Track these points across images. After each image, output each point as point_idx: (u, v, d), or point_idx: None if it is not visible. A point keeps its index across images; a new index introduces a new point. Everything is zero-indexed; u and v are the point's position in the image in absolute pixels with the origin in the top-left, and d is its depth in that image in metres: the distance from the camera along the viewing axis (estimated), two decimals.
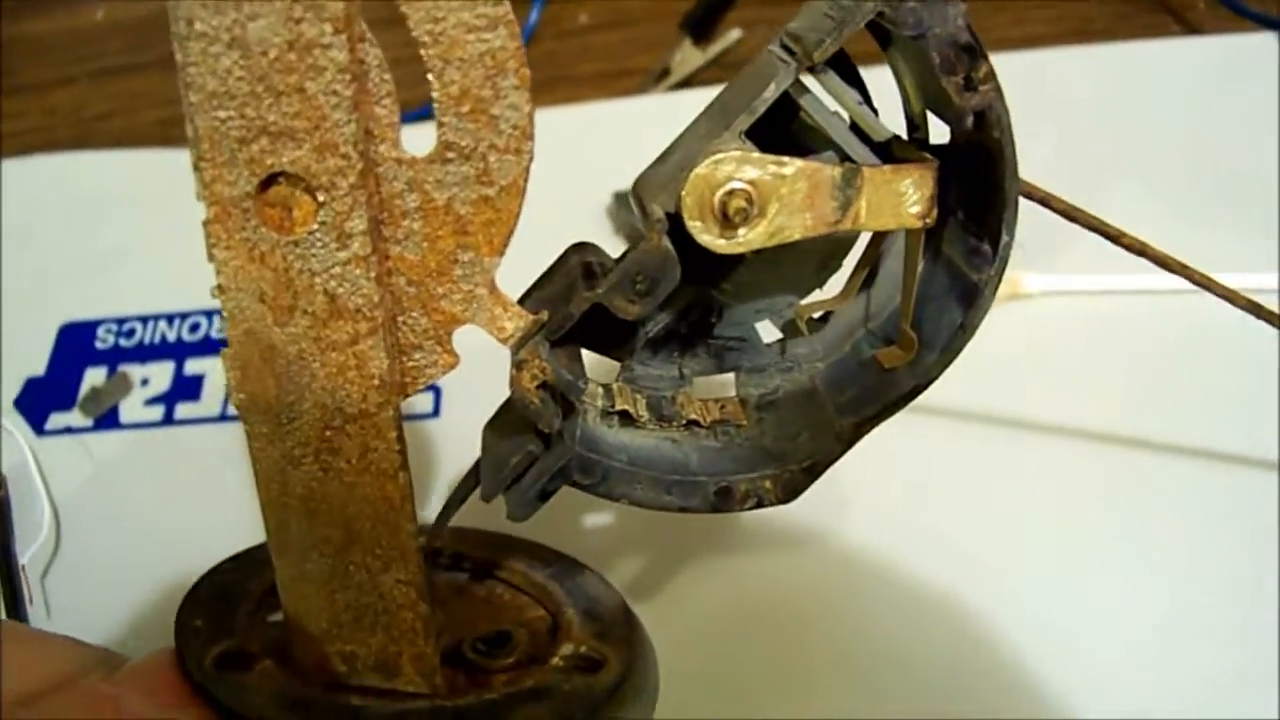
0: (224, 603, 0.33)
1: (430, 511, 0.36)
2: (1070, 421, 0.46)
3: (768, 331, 0.33)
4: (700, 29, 0.66)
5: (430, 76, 0.26)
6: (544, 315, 0.29)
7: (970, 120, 0.27)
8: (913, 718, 0.39)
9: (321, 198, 0.27)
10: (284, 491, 0.29)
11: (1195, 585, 0.41)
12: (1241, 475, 0.44)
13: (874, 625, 0.41)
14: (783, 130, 0.29)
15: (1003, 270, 0.29)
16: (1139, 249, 0.33)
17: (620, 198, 0.55)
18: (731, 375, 0.33)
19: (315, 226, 0.27)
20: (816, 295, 0.32)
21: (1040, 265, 0.49)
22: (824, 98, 0.29)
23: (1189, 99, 0.59)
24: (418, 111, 0.29)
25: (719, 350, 0.33)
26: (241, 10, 0.25)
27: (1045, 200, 0.31)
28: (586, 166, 0.53)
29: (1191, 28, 0.65)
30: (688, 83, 0.65)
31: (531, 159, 0.27)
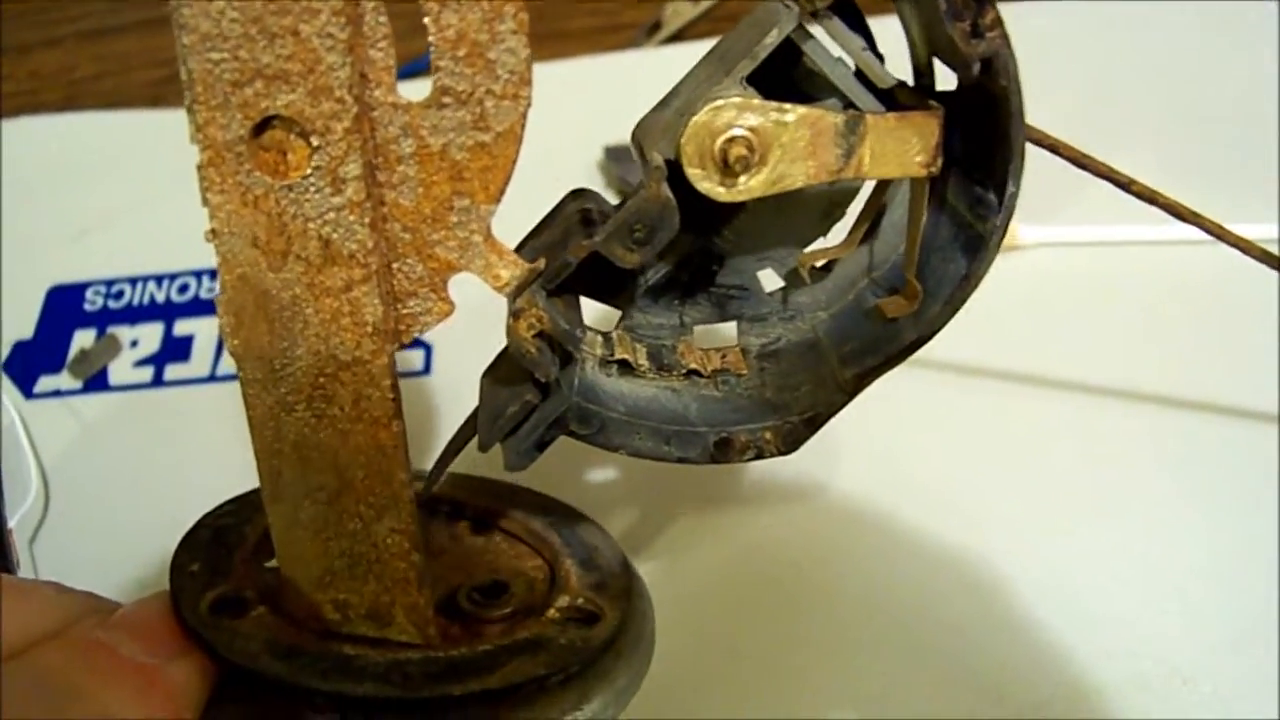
0: (220, 546, 0.33)
1: (423, 466, 0.35)
2: (1064, 374, 0.46)
3: (770, 280, 0.33)
4: None
5: (427, 20, 0.26)
6: (541, 263, 0.28)
7: (977, 67, 0.27)
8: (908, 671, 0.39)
9: (316, 142, 0.26)
10: (277, 438, 0.29)
11: (1191, 536, 0.42)
12: (1240, 427, 0.44)
13: (870, 579, 0.41)
14: (786, 77, 0.28)
15: (1008, 220, 0.28)
16: (1149, 196, 0.32)
17: (611, 152, 0.54)
18: (734, 324, 0.33)
19: (309, 171, 0.26)
20: (820, 243, 0.32)
21: (1036, 217, 0.49)
22: (828, 44, 0.28)
23: (1190, 60, 0.59)
24: (415, 64, 0.28)
25: (720, 298, 0.32)
26: None
27: (1054, 147, 0.31)
28: (578, 121, 0.53)
29: None
30: (679, 37, 0.65)
31: (529, 105, 0.27)
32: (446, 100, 0.27)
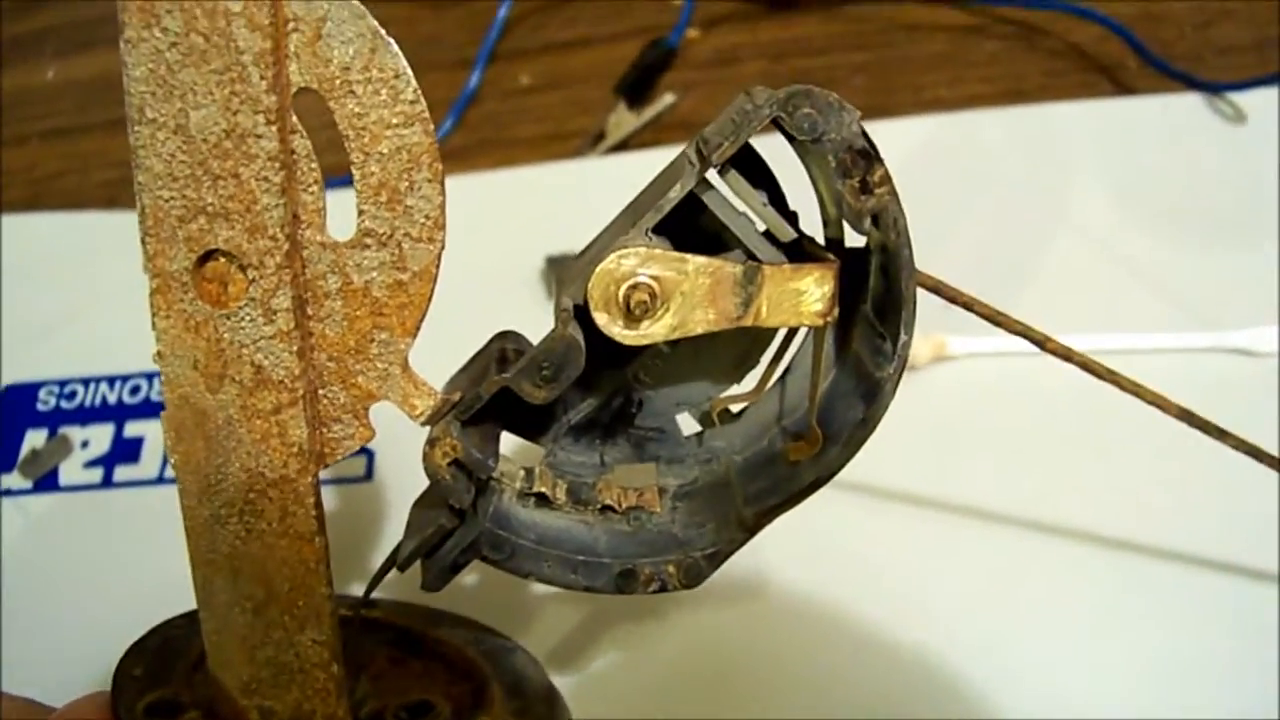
0: (166, 655, 0.35)
1: (366, 570, 0.37)
2: (995, 481, 0.47)
3: (689, 424, 0.34)
4: (635, 93, 0.67)
5: (353, 168, 0.29)
6: (456, 395, 0.30)
7: (867, 222, 0.28)
8: None
9: (251, 275, 0.29)
10: (210, 549, 0.31)
11: (1133, 638, 0.43)
12: (1170, 523, 0.45)
13: (811, 676, 0.42)
14: (697, 228, 0.30)
15: (902, 368, 0.29)
16: (1021, 332, 0.33)
17: (553, 262, 0.54)
18: (653, 464, 0.34)
19: (245, 302, 0.29)
20: (735, 389, 0.33)
21: (964, 329, 0.49)
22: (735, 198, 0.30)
23: (1122, 157, 0.61)
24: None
25: (639, 440, 0.34)
26: (186, 100, 0.27)
27: (951, 296, 0.32)
28: (521, 230, 0.53)
29: (1123, 88, 0.66)
30: (624, 146, 0.66)
31: (443, 248, 0.29)
32: (369, 241, 0.29)
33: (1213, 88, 0.63)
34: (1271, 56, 0.65)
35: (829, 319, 0.29)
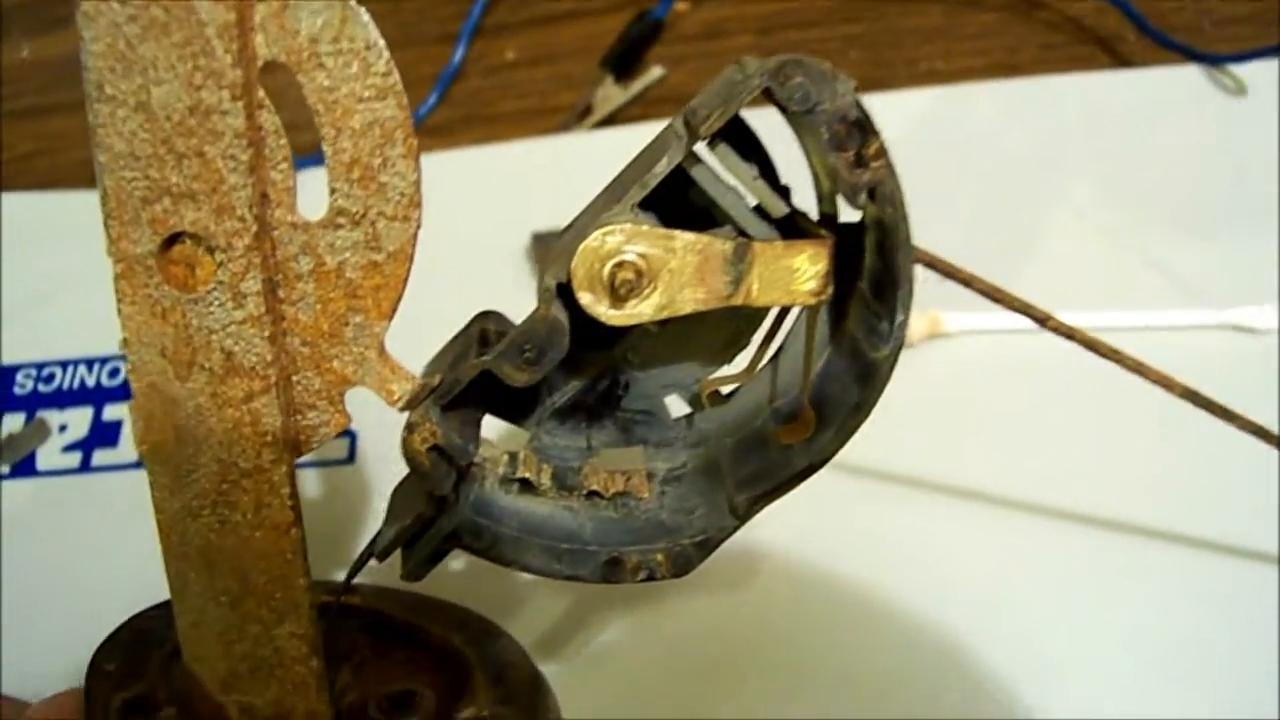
0: (140, 648, 0.34)
1: (349, 555, 0.36)
2: (990, 459, 0.46)
3: (677, 406, 0.33)
4: (621, 66, 0.66)
5: (324, 144, 0.27)
6: (434, 379, 0.29)
7: (862, 197, 0.27)
8: None
9: (219, 258, 0.28)
10: (183, 542, 0.30)
11: (1125, 610, 0.42)
12: (1169, 502, 0.45)
13: (814, 656, 0.41)
14: (685, 204, 0.29)
15: (899, 349, 0.28)
16: (1021, 309, 0.32)
17: (539, 239, 0.53)
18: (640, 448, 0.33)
19: (213, 285, 0.28)
20: (725, 370, 0.32)
21: (960, 305, 0.48)
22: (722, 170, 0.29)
23: (1118, 130, 0.59)
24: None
25: (627, 423, 0.33)
26: (147, 76, 0.26)
27: (931, 264, 0.31)
28: (506, 206, 0.52)
29: (1120, 60, 0.65)
30: (610, 120, 0.65)
31: (419, 226, 0.28)
32: (341, 221, 0.28)
33: (1212, 60, 0.62)
34: (1272, 28, 0.63)
35: (823, 298, 0.28)
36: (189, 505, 0.30)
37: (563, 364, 0.29)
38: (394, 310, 0.28)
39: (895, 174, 0.27)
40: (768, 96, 0.27)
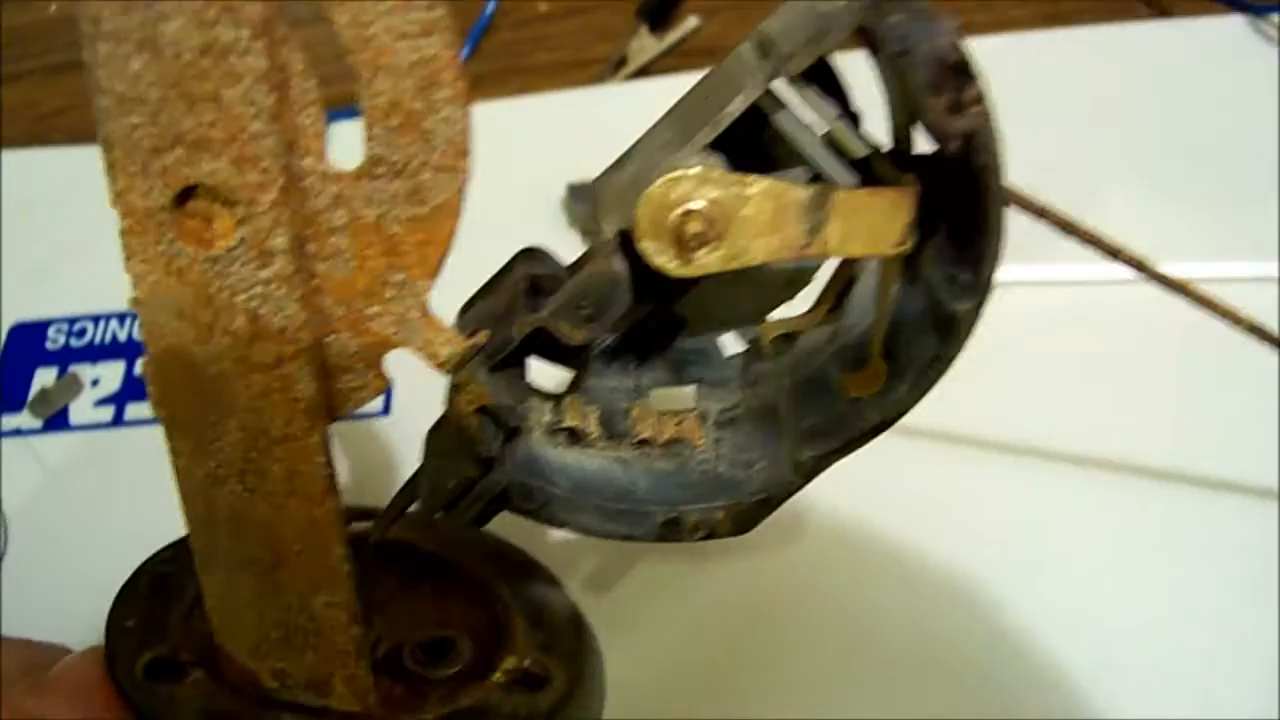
0: (158, 600, 0.32)
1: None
2: (1035, 411, 0.45)
3: (732, 342, 0.31)
4: (657, 16, 0.65)
5: (359, 87, 0.24)
6: (481, 338, 0.27)
7: (956, 144, 0.25)
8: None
9: (241, 213, 0.24)
10: (209, 510, 0.28)
11: (1175, 570, 0.41)
12: (1218, 454, 0.43)
13: (849, 611, 0.40)
14: (749, 139, 0.26)
15: (983, 303, 0.26)
16: (1126, 258, 0.30)
17: (575, 190, 0.52)
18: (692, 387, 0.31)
19: (235, 243, 0.25)
20: (785, 310, 0.30)
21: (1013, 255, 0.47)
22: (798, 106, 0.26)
23: (1159, 81, 0.58)
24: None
25: (678, 362, 0.31)
26: (152, 9, 0.23)
27: (1038, 210, 0.29)
28: (542, 158, 0.51)
29: (1160, 10, 0.64)
30: (645, 71, 0.64)
31: (468, 177, 0.25)
32: (380, 171, 0.25)
33: (1256, 10, 0.59)
34: None
35: (904, 248, 0.26)
36: (214, 473, 0.27)
37: None
38: (440, 268, 0.26)
39: (993, 121, 0.25)
40: (860, 34, 0.24)
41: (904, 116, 0.27)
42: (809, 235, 0.26)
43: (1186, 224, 0.50)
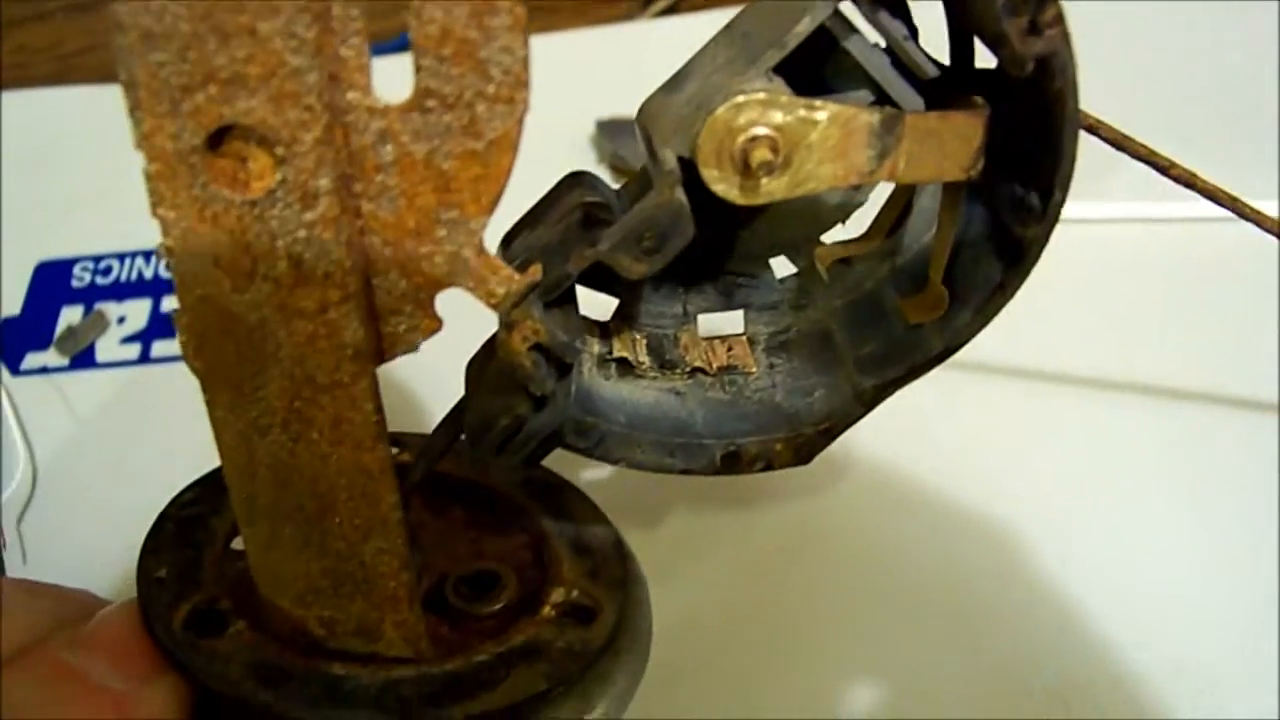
0: (188, 546, 0.31)
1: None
2: (1088, 346, 0.45)
3: (781, 265, 0.30)
4: None
5: (408, 15, 0.22)
6: (537, 274, 0.25)
7: (1031, 66, 0.24)
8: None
9: (281, 153, 0.23)
10: (251, 461, 0.26)
11: (1202, 523, 0.41)
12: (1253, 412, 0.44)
13: (883, 562, 0.40)
14: (811, 62, 0.25)
15: (1051, 229, 0.25)
16: (1188, 180, 0.29)
17: (604, 127, 0.53)
18: (740, 313, 0.30)
19: (275, 185, 0.23)
20: (839, 232, 0.29)
21: None
22: (864, 27, 0.25)
23: (1192, 31, 0.58)
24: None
25: (727, 286, 0.30)
26: None
27: (1095, 130, 0.28)
28: (570, 95, 0.50)
29: None
30: (673, 9, 0.64)
31: (526, 109, 0.23)
32: (430, 104, 0.23)
33: None
34: None
35: (973, 173, 0.25)
36: (255, 423, 0.26)
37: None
38: (494, 204, 0.24)
39: (1070, 43, 0.24)
40: None
41: (967, 36, 0.26)
42: (876, 161, 0.25)
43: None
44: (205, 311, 0.24)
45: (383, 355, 0.26)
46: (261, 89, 0.22)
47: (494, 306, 0.25)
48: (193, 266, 0.24)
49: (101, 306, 0.52)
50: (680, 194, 0.25)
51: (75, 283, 0.54)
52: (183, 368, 0.45)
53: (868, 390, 0.28)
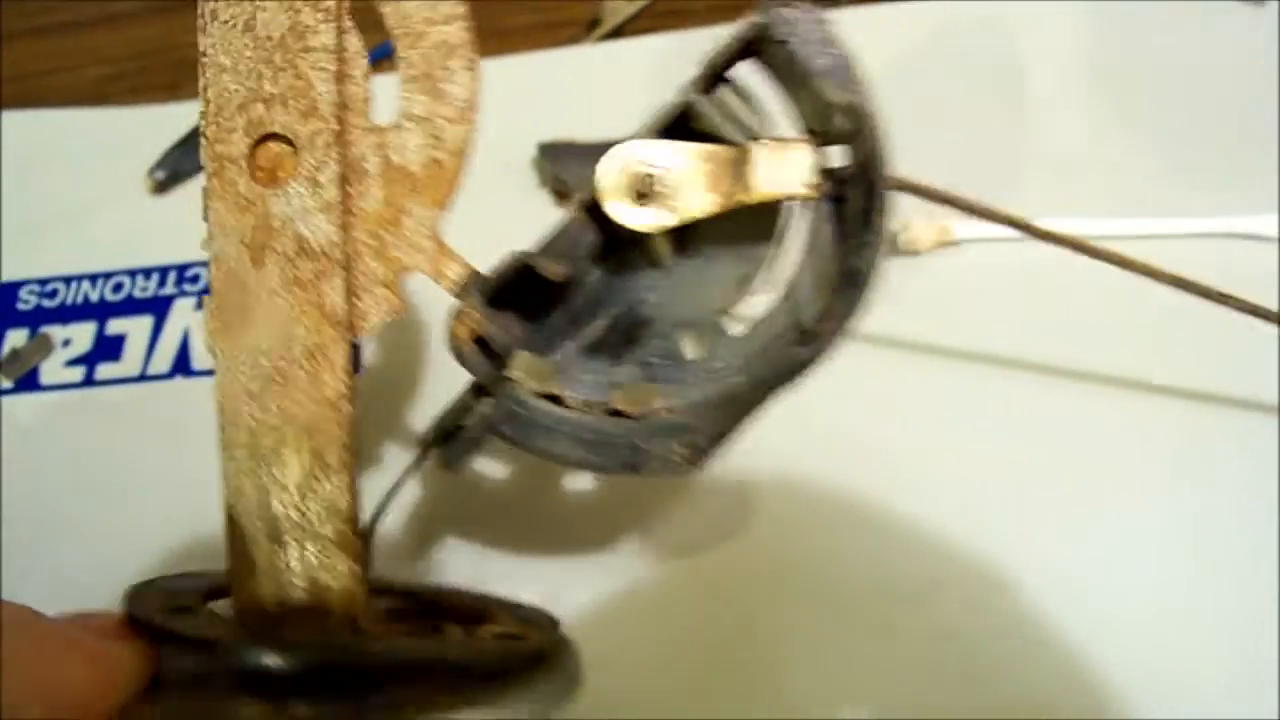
0: (178, 588, 0.35)
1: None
2: (1001, 357, 0.47)
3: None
4: None
5: (398, 59, 0.33)
6: (477, 269, 0.33)
7: (839, 118, 0.32)
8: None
9: (302, 154, 0.32)
10: (234, 424, 0.32)
11: (1180, 527, 0.42)
12: (1173, 403, 0.45)
13: (855, 574, 0.41)
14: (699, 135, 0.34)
15: (873, 259, 0.32)
16: (1021, 225, 0.36)
17: (545, 150, 0.54)
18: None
19: (293, 177, 0.32)
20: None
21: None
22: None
23: (1121, 33, 0.58)
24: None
25: (645, 364, 0.36)
26: (254, 2, 0.32)
27: (917, 190, 0.36)
28: (515, 118, 0.51)
29: None
30: (618, 33, 0.63)
31: (474, 128, 0.33)
32: (408, 124, 0.33)
33: None
34: None
35: (813, 193, 0.32)
36: (246, 388, 0.32)
37: (589, 302, 0.34)
38: (448, 201, 0.33)
39: (872, 98, 0.32)
40: (750, 45, 0.32)
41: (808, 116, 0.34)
42: (736, 183, 0.32)
43: (1147, 180, 0.52)
44: (229, 283, 0.32)
45: (355, 328, 0.33)
46: (295, 105, 0.32)
47: (446, 286, 0.33)
48: (224, 247, 0.32)
49: (46, 329, 0.53)
50: (583, 213, 0.33)
51: (21, 305, 0.55)
52: (125, 391, 0.48)
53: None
